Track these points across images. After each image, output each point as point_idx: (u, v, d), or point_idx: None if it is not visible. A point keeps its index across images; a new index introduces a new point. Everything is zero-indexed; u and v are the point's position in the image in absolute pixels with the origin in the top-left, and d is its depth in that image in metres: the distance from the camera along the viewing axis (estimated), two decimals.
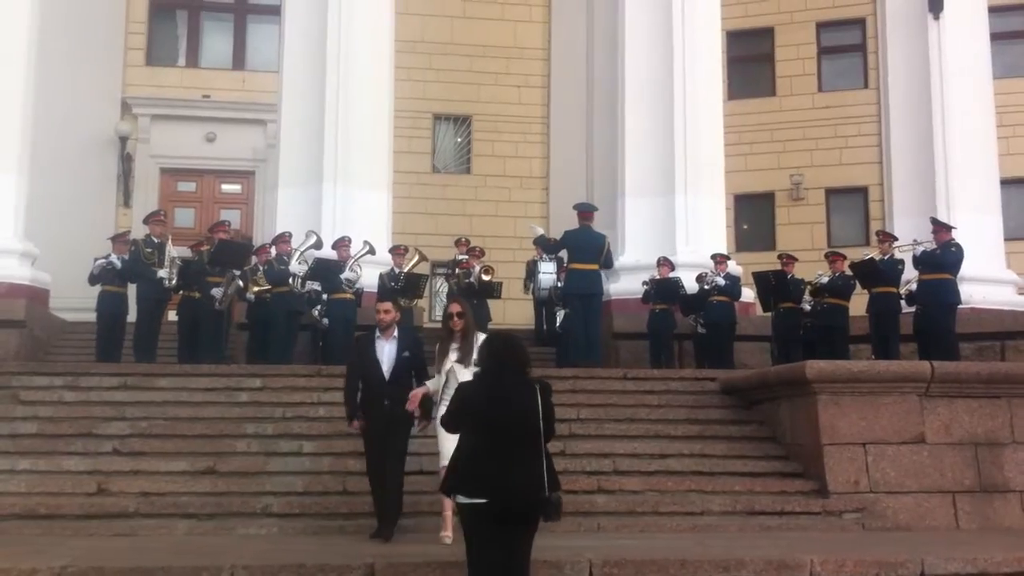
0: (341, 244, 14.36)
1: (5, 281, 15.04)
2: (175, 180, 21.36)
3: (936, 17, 18.43)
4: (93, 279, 14.11)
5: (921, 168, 18.40)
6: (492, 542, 5.26)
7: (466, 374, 7.58)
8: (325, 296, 14.00)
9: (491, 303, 15.65)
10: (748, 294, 15.72)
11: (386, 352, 8.37)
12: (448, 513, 7.82)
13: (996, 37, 19.35)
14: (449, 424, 5.75)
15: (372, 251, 14.51)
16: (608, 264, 14.46)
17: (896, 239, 14.67)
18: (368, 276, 14.42)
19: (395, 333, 8.44)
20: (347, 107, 15.77)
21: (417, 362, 8.49)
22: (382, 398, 8.26)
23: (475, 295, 14.83)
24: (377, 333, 8.46)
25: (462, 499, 5.33)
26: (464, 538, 5.44)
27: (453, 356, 8.07)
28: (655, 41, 16.75)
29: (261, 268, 13.99)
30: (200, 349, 13.71)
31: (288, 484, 9.28)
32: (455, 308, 8.35)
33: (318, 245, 14.35)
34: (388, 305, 8.61)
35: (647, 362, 14.59)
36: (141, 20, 21.57)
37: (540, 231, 15.57)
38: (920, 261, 13.71)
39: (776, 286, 14.76)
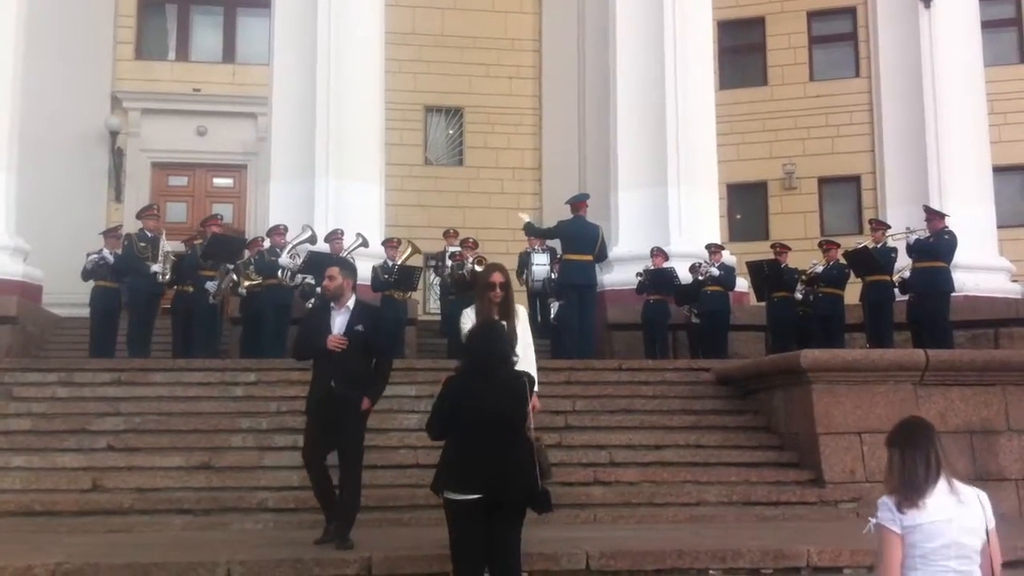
0: (334, 237, 14.33)
1: None
2: (166, 174, 21.30)
3: (927, 5, 18.42)
4: (86, 274, 14.08)
5: (913, 156, 18.40)
6: (479, 537, 5.28)
7: None
8: (319, 289, 13.95)
9: None
10: (742, 284, 15.74)
11: (337, 324, 7.46)
12: None
13: (987, 25, 19.38)
14: (435, 429, 5.58)
15: (365, 243, 14.49)
16: (603, 256, 14.46)
17: (889, 227, 14.69)
18: (362, 269, 14.35)
19: (349, 304, 7.54)
20: (338, 100, 15.72)
21: (374, 339, 7.53)
22: (328, 376, 7.34)
23: (468, 287, 14.78)
24: (332, 304, 7.66)
25: (452, 495, 5.33)
26: (450, 533, 5.43)
27: None
28: (647, 32, 16.72)
29: (253, 260, 13.97)
30: (194, 344, 13.70)
31: (284, 479, 9.24)
32: (498, 278, 7.06)
33: (312, 240, 14.31)
34: (335, 271, 7.65)
35: (642, 353, 14.58)
36: (130, 14, 21.49)
37: (527, 218, 15.29)
38: (913, 249, 13.72)
39: (770, 275, 14.78)
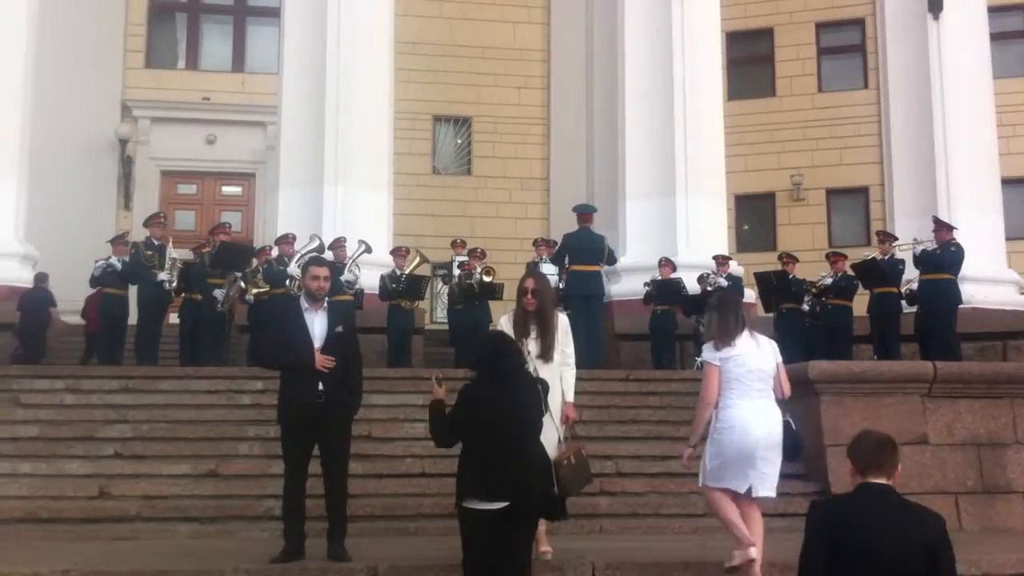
0: (337, 245, 14.34)
1: (5, 284, 15.06)
2: (175, 182, 21.37)
3: (936, 17, 18.42)
4: (94, 281, 14.11)
5: (921, 168, 18.39)
6: (491, 545, 5.24)
7: (546, 370, 6.68)
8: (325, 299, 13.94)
9: (492, 304, 15.62)
10: (750, 295, 15.71)
11: (317, 325, 7.00)
12: (542, 528, 6.76)
13: (996, 37, 19.37)
14: (449, 436, 5.49)
15: (369, 250, 14.47)
16: (612, 261, 14.47)
17: (896, 239, 14.68)
18: (370, 278, 14.40)
19: (325, 305, 7.18)
20: (347, 109, 15.77)
21: (350, 342, 7.18)
22: (315, 381, 6.84)
23: (476, 297, 14.82)
24: (304, 304, 7.14)
25: (476, 504, 5.24)
26: (464, 542, 5.38)
27: (533, 347, 6.81)
28: (655, 42, 16.77)
29: (261, 269, 13.99)
30: (202, 351, 13.70)
31: None
32: (530, 284, 6.89)
33: (320, 249, 14.30)
34: (326, 271, 7.26)
35: (649, 363, 14.58)
36: (140, 23, 21.59)
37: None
38: (920, 261, 13.70)
39: (777, 286, 14.75)
